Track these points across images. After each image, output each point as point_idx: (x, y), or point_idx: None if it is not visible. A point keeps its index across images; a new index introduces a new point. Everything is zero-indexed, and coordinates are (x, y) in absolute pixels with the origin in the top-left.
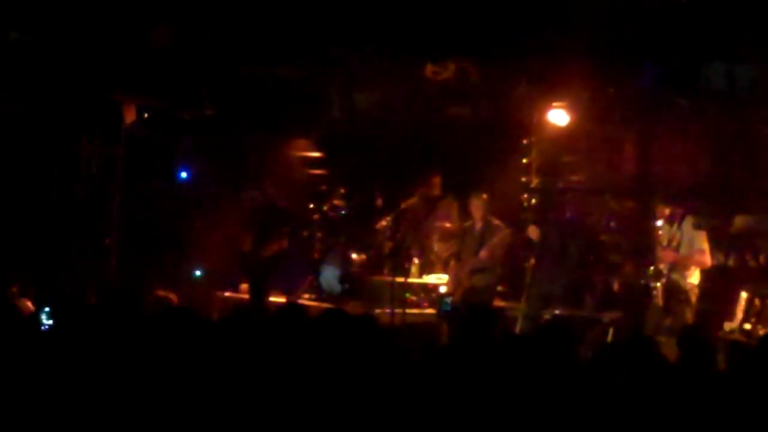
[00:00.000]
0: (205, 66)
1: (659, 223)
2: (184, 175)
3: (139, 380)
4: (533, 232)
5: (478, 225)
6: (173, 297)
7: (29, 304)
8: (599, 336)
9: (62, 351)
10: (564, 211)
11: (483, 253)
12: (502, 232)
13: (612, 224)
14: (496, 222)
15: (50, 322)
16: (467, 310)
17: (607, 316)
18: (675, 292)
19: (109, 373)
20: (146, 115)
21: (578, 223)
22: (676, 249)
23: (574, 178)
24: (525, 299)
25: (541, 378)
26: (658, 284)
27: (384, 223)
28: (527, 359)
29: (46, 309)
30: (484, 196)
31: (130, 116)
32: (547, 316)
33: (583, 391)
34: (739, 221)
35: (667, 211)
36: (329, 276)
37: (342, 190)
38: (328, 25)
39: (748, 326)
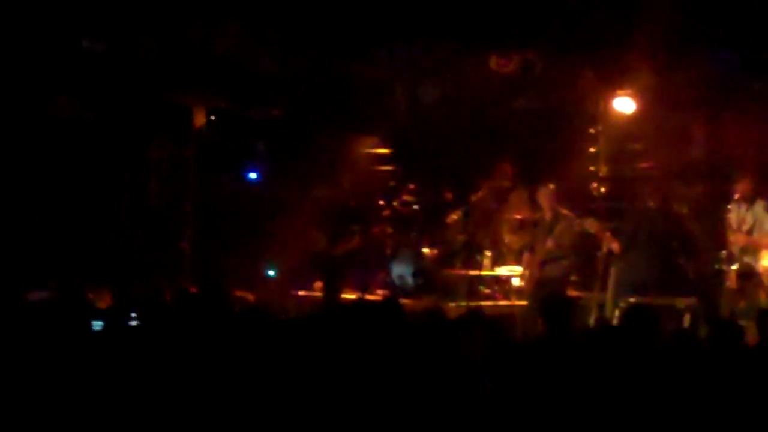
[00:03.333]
0: (273, 67)
1: (730, 206)
2: (254, 175)
3: (220, 378)
4: (592, 225)
5: (548, 215)
6: (250, 297)
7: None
8: (675, 322)
9: (148, 349)
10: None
11: (550, 243)
12: (571, 222)
13: (684, 210)
14: (565, 212)
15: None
16: (542, 301)
17: (682, 302)
18: (748, 275)
19: (191, 371)
20: (215, 117)
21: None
22: (748, 232)
23: (642, 165)
24: (600, 288)
25: (630, 366)
26: (732, 268)
27: (454, 216)
28: (614, 348)
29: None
30: (552, 186)
31: (199, 119)
32: (622, 305)
33: (669, 376)
34: None
35: (737, 195)
36: (402, 271)
37: (411, 186)
38: (393, 20)
39: None
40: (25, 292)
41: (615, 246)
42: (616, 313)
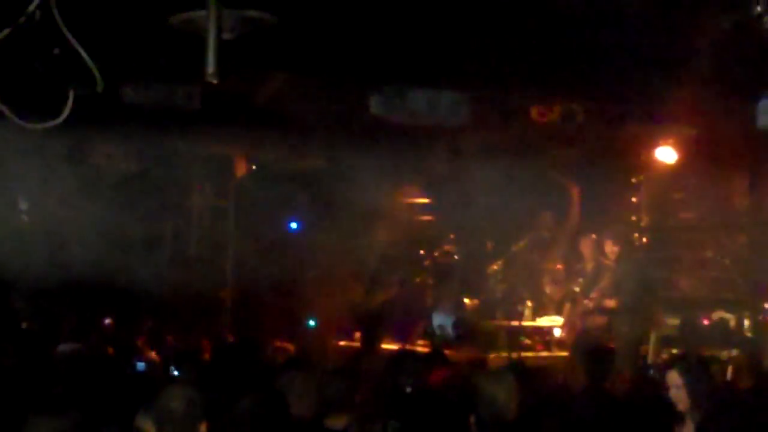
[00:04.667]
0: (313, 117)
1: None
2: (295, 225)
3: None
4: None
5: (589, 266)
6: (290, 347)
7: (154, 354)
8: (718, 374)
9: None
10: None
11: (595, 295)
12: (613, 273)
13: (726, 261)
14: (607, 262)
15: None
16: (585, 352)
17: (725, 354)
18: None
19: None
20: (256, 167)
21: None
22: None
23: (685, 215)
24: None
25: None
26: None
27: (495, 267)
28: (655, 400)
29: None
30: (594, 236)
31: (240, 169)
32: (665, 356)
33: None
34: None
35: None
36: (442, 321)
37: (452, 236)
38: (432, 70)
39: None
40: (56, 344)
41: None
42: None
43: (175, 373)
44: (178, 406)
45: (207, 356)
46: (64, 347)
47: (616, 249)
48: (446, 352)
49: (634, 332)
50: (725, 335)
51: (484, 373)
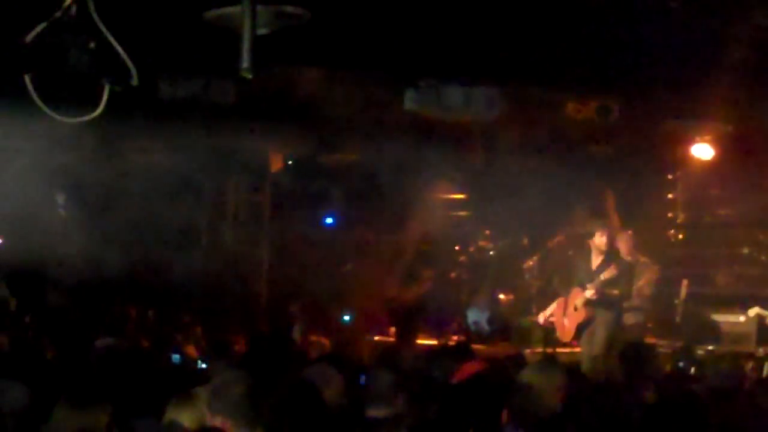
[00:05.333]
0: (348, 111)
1: None
2: (330, 220)
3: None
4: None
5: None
6: (326, 342)
7: (193, 349)
8: (755, 370)
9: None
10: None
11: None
12: (650, 269)
13: (763, 257)
14: (644, 259)
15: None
16: (622, 348)
17: (762, 351)
18: None
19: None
20: (291, 162)
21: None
22: None
23: (721, 212)
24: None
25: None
26: None
27: (530, 263)
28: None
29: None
30: (630, 232)
31: (276, 163)
32: (700, 352)
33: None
34: None
35: None
36: (477, 317)
37: (487, 232)
38: (467, 65)
39: None
40: (94, 339)
41: None
42: None
43: (203, 366)
44: (237, 390)
45: (239, 349)
46: (100, 342)
47: (604, 240)
48: (481, 347)
49: (610, 327)
50: (761, 332)
51: (528, 365)
